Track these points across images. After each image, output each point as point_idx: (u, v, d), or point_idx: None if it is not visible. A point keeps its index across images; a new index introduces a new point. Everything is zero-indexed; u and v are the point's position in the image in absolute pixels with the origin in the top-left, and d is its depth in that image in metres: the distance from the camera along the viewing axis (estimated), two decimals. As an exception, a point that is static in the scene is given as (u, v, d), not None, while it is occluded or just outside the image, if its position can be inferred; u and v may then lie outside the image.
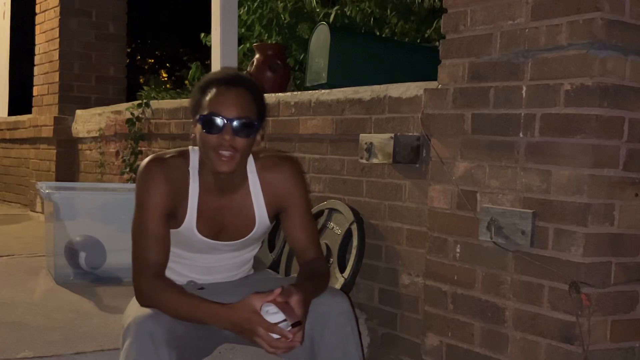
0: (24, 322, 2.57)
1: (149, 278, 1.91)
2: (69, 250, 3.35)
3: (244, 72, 3.42)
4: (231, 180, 2.03)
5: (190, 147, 2.07)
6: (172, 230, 2.02)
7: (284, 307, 1.77)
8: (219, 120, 1.91)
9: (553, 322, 2.03)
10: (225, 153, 1.92)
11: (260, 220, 2.09)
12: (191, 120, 2.02)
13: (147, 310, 1.86)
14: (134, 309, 1.92)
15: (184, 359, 1.87)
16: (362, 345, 2.05)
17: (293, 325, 1.76)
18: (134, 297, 2.06)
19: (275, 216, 2.15)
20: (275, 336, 1.76)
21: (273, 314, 1.76)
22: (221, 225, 2.07)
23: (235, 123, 1.91)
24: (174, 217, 2.01)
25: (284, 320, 1.76)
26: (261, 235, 2.17)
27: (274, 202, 2.09)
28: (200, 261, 2.14)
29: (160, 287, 1.89)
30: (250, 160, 2.07)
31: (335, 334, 1.94)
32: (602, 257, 1.98)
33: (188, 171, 2.02)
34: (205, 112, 1.93)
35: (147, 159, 2.01)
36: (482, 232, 2.21)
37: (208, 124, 1.92)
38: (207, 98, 1.95)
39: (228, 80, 1.97)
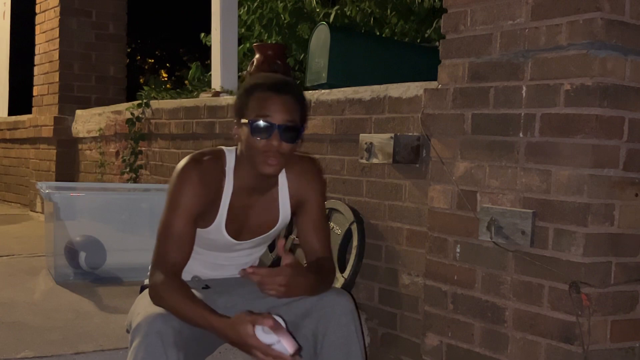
0: (24, 322, 2.57)
1: (164, 276, 1.92)
2: (69, 250, 3.35)
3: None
4: (268, 182, 2.08)
5: (224, 148, 2.09)
6: (199, 230, 2.03)
7: (280, 331, 1.74)
8: (268, 126, 1.94)
9: (553, 322, 2.03)
10: (273, 158, 1.96)
11: (283, 218, 2.14)
12: (234, 120, 2.05)
13: (157, 310, 1.86)
14: (143, 308, 1.92)
15: (190, 359, 1.87)
16: (365, 345, 2.06)
17: (293, 355, 1.72)
18: (140, 296, 2.07)
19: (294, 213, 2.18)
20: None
21: (267, 334, 1.73)
22: (246, 223, 2.10)
23: (283, 129, 1.95)
24: (204, 217, 2.03)
25: (279, 341, 1.72)
26: (280, 232, 2.21)
27: (295, 199, 2.14)
28: (214, 258, 2.17)
29: (172, 288, 1.90)
30: None
31: (339, 333, 1.95)
32: (602, 257, 1.98)
33: (224, 172, 2.05)
34: (254, 117, 1.96)
35: (185, 160, 2.03)
36: (482, 232, 2.21)
37: (257, 129, 1.96)
38: (256, 102, 1.98)
39: (276, 86, 2.00)
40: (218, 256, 2.17)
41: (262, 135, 1.95)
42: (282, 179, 2.12)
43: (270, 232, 2.16)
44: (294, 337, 1.75)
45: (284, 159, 1.99)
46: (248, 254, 2.22)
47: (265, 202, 2.11)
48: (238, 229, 2.09)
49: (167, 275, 1.93)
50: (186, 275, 2.07)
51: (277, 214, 2.13)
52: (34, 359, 2.20)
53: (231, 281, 2.18)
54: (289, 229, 3.11)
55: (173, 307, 1.86)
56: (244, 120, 1.99)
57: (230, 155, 2.07)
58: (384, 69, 3.73)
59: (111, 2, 5.87)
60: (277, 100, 1.97)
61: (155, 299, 1.91)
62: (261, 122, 1.95)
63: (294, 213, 2.17)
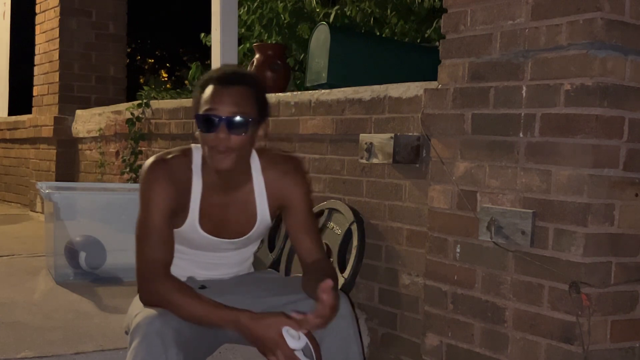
0: (24, 322, 2.57)
1: (159, 279, 1.90)
2: (69, 250, 3.35)
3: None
4: (234, 178, 2.04)
5: (193, 145, 2.07)
6: (177, 230, 2.02)
7: (312, 341, 1.78)
8: (212, 119, 1.91)
9: (553, 322, 2.03)
10: (222, 152, 1.92)
11: (262, 218, 2.10)
12: (193, 119, 2.02)
13: (156, 310, 1.85)
14: (142, 308, 1.91)
15: (189, 359, 1.87)
16: (362, 346, 2.05)
17: None
18: (137, 297, 2.06)
19: (277, 215, 2.15)
20: None
21: (294, 339, 1.75)
22: (223, 222, 2.07)
23: (229, 121, 1.90)
24: (177, 216, 2.01)
25: (302, 348, 1.76)
26: (262, 233, 2.17)
27: (276, 200, 2.10)
28: (204, 257, 2.15)
29: (173, 288, 1.88)
30: (255, 158, 2.07)
31: (337, 337, 1.94)
32: (602, 257, 1.98)
33: (191, 169, 2.03)
34: (201, 111, 1.93)
35: (149, 160, 2.01)
36: (482, 232, 2.21)
37: (203, 123, 1.93)
38: (204, 96, 1.95)
39: (223, 78, 1.96)
40: (208, 255, 2.15)
41: (209, 129, 1.91)
42: (258, 176, 2.07)
43: (252, 232, 2.12)
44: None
45: (236, 154, 1.93)
46: (236, 253, 2.19)
47: (242, 201, 2.07)
48: (216, 227, 2.06)
49: (163, 277, 1.91)
50: (181, 277, 2.07)
51: (254, 214, 2.09)
52: (34, 359, 2.20)
53: (227, 281, 2.17)
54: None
55: (180, 308, 1.84)
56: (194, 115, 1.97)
57: (197, 152, 2.03)
58: (384, 69, 3.73)
59: (111, 2, 5.87)
60: (223, 92, 1.92)
61: (155, 303, 1.89)
62: (206, 115, 1.91)
63: (276, 213, 2.13)
